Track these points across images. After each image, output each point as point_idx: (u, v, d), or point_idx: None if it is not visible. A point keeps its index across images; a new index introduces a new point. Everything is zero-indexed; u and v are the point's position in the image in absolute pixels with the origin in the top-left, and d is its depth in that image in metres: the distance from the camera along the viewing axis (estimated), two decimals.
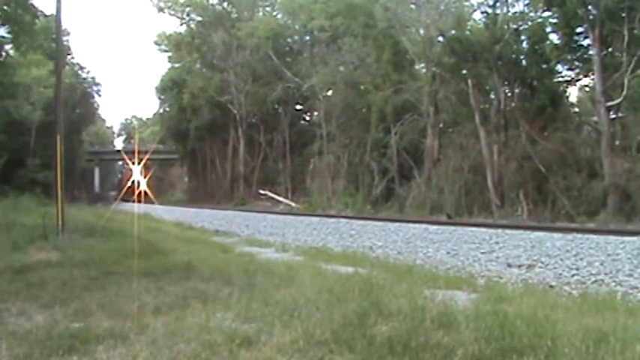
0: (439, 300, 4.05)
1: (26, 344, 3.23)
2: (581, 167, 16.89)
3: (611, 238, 8.34)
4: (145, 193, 35.35)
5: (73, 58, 42.50)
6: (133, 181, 37.16)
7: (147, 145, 55.57)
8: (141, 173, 38.57)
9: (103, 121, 73.30)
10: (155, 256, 7.25)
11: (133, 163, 40.61)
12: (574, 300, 4.75)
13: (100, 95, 49.63)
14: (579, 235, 8.76)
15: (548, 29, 19.71)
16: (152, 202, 35.46)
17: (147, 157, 38.65)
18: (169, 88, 45.74)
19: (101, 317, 3.88)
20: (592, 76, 18.35)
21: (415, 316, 3.55)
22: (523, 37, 20.11)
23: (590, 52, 17.31)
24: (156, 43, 43.98)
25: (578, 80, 21.25)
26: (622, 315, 3.86)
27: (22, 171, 30.78)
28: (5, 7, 15.45)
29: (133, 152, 49.44)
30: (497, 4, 20.74)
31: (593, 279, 6.34)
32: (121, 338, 3.32)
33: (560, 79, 20.47)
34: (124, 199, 40.44)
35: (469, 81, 19.92)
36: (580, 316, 3.78)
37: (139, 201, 35.14)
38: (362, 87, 28.32)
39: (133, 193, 35.62)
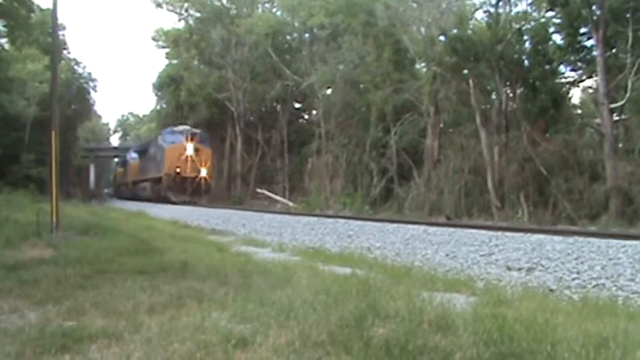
0: (437, 302, 4.05)
1: (18, 342, 3.23)
2: (583, 170, 16.92)
3: (613, 241, 8.30)
4: (206, 182, 26.90)
5: (69, 53, 42.40)
6: (186, 159, 26.65)
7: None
8: (197, 153, 26.58)
9: (99, 117, 73.42)
10: (150, 255, 7.25)
11: (187, 139, 28.62)
12: (574, 304, 4.75)
13: (96, 91, 49.60)
14: (580, 239, 8.72)
15: (552, 29, 19.79)
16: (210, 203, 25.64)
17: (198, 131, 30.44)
18: (166, 84, 45.59)
19: (95, 316, 3.88)
20: (595, 78, 18.40)
21: (413, 318, 3.55)
22: (526, 37, 20.13)
23: (594, 53, 17.35)
24: (153, 39, 43.93)
25: (581, 81, 21.36)
26: (623, 320, 3.87)
27: (15, 167, 30.64)
28: (0, 1, 15.39)
29: (128, 149, 48.87)
30: (500, 4, 20.77)
31: (594, 283, 6.34)
32: (114, 337, 3.32)
33: (563, 80, 20.55)
34: (153, 196, 29.33)
35: (470, 81, 19.95)
36: (580, 321, 3.78)
37: (194, 201, 25.60)
38: (362, 86, 28.32)
39: (182, 185, 26.69)
